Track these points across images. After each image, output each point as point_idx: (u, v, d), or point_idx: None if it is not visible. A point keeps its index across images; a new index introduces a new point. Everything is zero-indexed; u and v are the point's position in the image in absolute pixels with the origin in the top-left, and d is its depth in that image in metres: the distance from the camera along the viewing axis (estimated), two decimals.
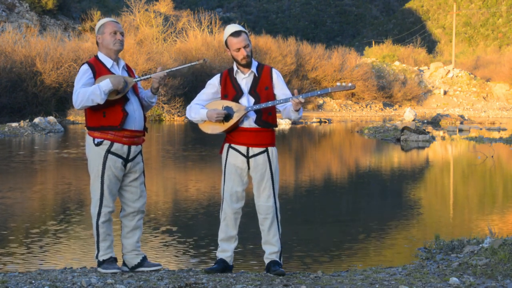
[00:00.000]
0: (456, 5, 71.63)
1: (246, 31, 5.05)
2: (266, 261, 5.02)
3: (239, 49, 4.92)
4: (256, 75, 5.01)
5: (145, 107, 5.09)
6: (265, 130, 4.97)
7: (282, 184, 10.29)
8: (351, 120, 35.97)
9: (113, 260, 4.90)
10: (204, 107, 5.05)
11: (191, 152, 16.50)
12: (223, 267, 4.96)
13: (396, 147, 18.40)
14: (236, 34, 4.93)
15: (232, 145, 4.99)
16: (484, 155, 14.86)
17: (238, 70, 5.02)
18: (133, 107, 4.91)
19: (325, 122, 32.18)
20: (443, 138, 21.95)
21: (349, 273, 5.09)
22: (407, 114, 29.58)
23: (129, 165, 4.91)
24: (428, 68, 56.95)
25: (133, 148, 4.91)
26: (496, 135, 23.08)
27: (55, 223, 7.52)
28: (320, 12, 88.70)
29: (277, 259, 4.99)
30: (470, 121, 34.22)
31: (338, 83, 5.00)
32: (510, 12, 78.99)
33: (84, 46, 31.91)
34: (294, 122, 29.51)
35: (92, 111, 4.84)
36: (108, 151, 4.82)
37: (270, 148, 4.99)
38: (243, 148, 4.96)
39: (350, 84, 4.97)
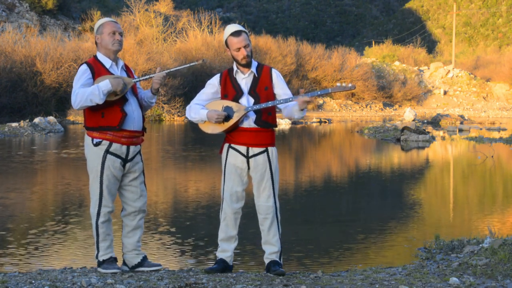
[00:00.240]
0: (456, 5, 71.64)
1: (246, 31, 5.05)
2: (266, 261, 5.02)
3: (239, 49, 4.92)
4: (256, 75, 5.01)
5: (144, 107, 5.09)
6: (265, 130, 4.97)
7: (282, 184, 10.29)
8: (351, 120, 35.97)
9: (113, 260, 4.90)
10: (204, 107, 5.05)
11: (191, 152, 16.50)
12: (223, 267, 4.96)
13: (396, 147, 18.40)
14: (236, 33, 4.93)
15: (232, 145, 4.99)
16: (484, 155, 14.86)
17: (238, 70, 5.02)
18: (132, 107, 4.91)
19: (325, 122, 32.18)
20: (443, 138, 21.95)
21: (349, 273, 5.09)
22: (407, 114, 29.58)
23: (128, 165, 4.91)
24: (428, 68, 56.95)
25: (132, 148, 4.90)
26: (496, 135, 23.08)
27: (55, 223, 7.52)
28: (320, 12, 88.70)
29: (277, 259, 4.99)
30: (470, 121, 34.22)
31: (338, 84, 5.00)
32: (510, 12, 78.99)
33: (84, 46, 31.91)
34: (294, 122, 29.51)
35: (90, 111, 4.84)
36: (107, 151, 4.82)
37: (270, 148, 4.99)
38: (243, 148, 4.96)
39: (350, 85, 4.97)
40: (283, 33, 52.61)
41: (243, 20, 65.58)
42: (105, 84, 4.72)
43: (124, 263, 5.02)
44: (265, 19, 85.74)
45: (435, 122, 32.01)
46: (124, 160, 4.88)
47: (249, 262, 5.85)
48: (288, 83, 38.22)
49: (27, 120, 22.90)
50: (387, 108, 47.48)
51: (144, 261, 5.00)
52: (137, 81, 4.99)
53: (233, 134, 4.98)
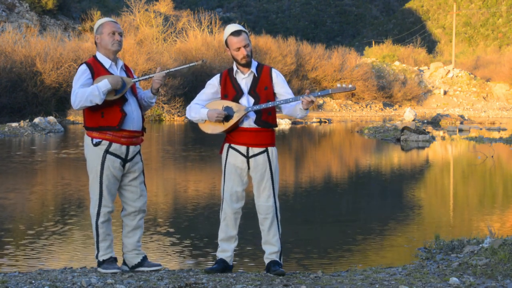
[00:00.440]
0: (456, 5, 71.64)
1: (246, 31, 5.05)
2: (266, 261, 5.02)
3: (239, 49, 4.92)
4: (256, 75, 5.01)
5: (144, 107, 5.09)
6: (265, 130, 4.98)
7: (282, 184, 10.29)
8: (351, 120, 35.97)
9: (113, 260, 4.90)
10: (204, 107, 5.06)
11: (191, 152, 16.49)
12: (223, 267, 4.96)
13: (396, 147, 18.40)
14: (236, 33, 4.93)
15: (232, 145, 4.99)
16: (484, 155, 14.86)
17: (238, 70, 5.02)
18: (131, 107, 4.91)
19: (325, 122, 32.19)
20: (443, 138, 21.95)
21: (349, 273, 5.08)
22: (407, 114, 29.58)
23: (127, 165, 4.91)
24: (428, 68, 56.96)
25: (131, 148, 4.91)
26: (496, 135, 23.08)
27: (55, 223, 7.52)
28: (320, 12, 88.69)
29: (277, 259, 4.99)
30: (470, 121, 34.22)
31: (338, 84, 4.99)
32: (510, 12, 78.99)
33: (84, 46, 31.91)
34: (294, 122, 29.51)
35: (90, 111, 4.84)
36: (107, 151, 4.82)
37: (270, 148, 4.99)
38: (243, 148, 4.96)
39: (350, 86, 4.97)
40: (283, 33, 52.61)
41: (243, 20, 65.57)
42: (104, 84, 4.73)
43: (124, 263, 5.02)
44: (265, 19, 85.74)
45: (435, 122, 32.01)
46: (124, 160, 4.88)
47: (249, 262, 5.85)
48: (288, 83, 38.00)
49: (27, 120, 22.90)
50: (387, 108, 47.48)
51: (144, 261, 5.00)
52: (136, 81, 4.99)
53: (233, 134, 4.98)
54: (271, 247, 5.00)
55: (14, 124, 21.55)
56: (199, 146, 17.80)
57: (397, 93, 49.15)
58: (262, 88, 4.99)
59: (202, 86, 5.20)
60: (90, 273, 4.84)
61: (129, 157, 4.90)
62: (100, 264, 4.87)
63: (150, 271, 4.95)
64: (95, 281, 4.48)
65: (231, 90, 5.00)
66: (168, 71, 5.08)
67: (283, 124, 28.36)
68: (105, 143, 4.82)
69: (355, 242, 6.85)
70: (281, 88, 5.03)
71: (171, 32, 42.36)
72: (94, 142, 4.84)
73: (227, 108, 4.95)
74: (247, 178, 5.01)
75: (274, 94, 5.03)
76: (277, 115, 5.10)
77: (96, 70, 4.84)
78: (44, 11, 41.30)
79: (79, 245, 6.49)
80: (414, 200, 9.77)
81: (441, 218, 8.31)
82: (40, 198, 9.41)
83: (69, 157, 14.36)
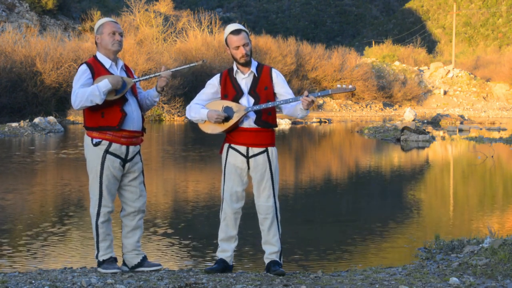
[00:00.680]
0: (456, 5, 71.64)
1: (247, 30, 5.05)
2: (266, 261, 5.02)
3: (238, 47, 4.92)
4: (256, 75, 5.01)
5: (145, 107, 5.10)
6: (265, 130, 4.98)
7: (282, 184, 10.29)
8: (351, 120, 35.97)
9: (113, 260, 4.90)
10: (204, 107, 5.06)
11: (191, 152, 16.49)
12: (223, 267, 4.96)
13: (396, 147, 18.40)
14: (236, 32, 4.94)
15: (232, 145, 4.99)
16: (484, 155, 14.86)
17: (238, 70, 5.02)
18: (132, 107, 4.91)
19: (325, 122, 32.19)
20: (443, 138, 21.95)
21: (349, 273, 5.08)
22: (407, 114, 29.58)
23: (127, 165, 4.91)
24: (428, 68, 56.96)
25: (131, 148, 4.91)
26: (496, 135, 23.08)
27: (55, 223, 7.52)
28: (320, 12, 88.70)
29: (277, 259, 4.99)
30: (470, 121, 34.22)
31: (338, 85, 5.00)
32: (510, 12, 78.99)
33: (84, 46, 31.91)
34: (294, 122, 29.51)
35: (90, 111, 4.84)
36: (107, 151, 4.82)
37: (270, 148, 4.99)
38: (243, 148, 4.96)
39: (350, 86, 4.97)
40: (283, 33, 52.62)
41: (243, 20, 65.60)
42: (104, 84, 4.73)
43: (124, 263, 5.02)
44: (265, 19, 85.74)
45: (435, 122, 32.01)
46: (124, 160, 4.88)
47: (249, 262, 5.85)
48: (288, 83, 37.96)
49: (27, 120, 22.90)
50: (387, 108, 47.49)
51: (143, 261, 5.00)
52: (137, 81, 4.99)
53: (233, 134, 4.98)
54: (271, 247, 5.00)
55: (14, 124, 21.55)
56: (199, 146, 17.80)
57: (397, 93, 49.16)
58: (262, 88, 4.99)
59: (202, 86, 5.20)
60: (90, 273, 4.84)
61: (129, 157, 4.90)
62: (100, 264, 4.87)
63: (150, 271, 4.95)
64: (95, 281, 4.48)
65: (231, 90, 5.00)
66: (171, 70, 5.09)
67: (283, 124, 28.36)
68: (105, 143, 4.82)
69: (355, 242, 6.85)
70: (281, 88, 5.03)
71: (171, 32, 42.37)
72: (94, 142, 4.84)
73: (227, 109, 4.95)
74: (247, 178, 5.01)
75: (274, 94, 5.03)
76: (277, 115, 5.10)
77: (97, 70, 4.85)
78: (44, 11, 41.30)
79: (79, 245, 6.49)
80: (414, 200, 9.77)
81: (441, 218, 8.31)
82: (40, 198, 9.41)
83: (69, 157, 14.36)
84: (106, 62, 4.91)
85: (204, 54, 36.93)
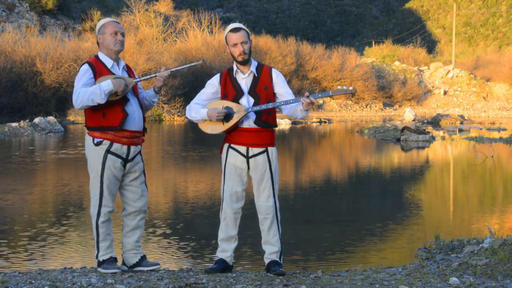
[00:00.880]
0: (456, 5, 71.64)
1: (247, 29, 5.06)
2: (266, 261, 5.02)
3: (236, 45, 4.93)
4: (256, 75, 5.02)
5: (145, 107, 5.10)
6: (264, 130, 4.98)
7: (282, 184, 10.29)
8: (351, 120, 35.97)
9: (113, 260, 4.90)
10: (204, 106, 5.06)
11: (190, 152, 16.49)
12: (223, 267, 4.96)
13: (396, 147, 18.40)
14: (235, 30, 4.96)
15: (232, 145, 4.99)
16: (484, 155, 14.86)
17: (238, 70, 5.02)
18: (133, 107, 4.92)
19: (325, 122, 32.19)
20: (443, 138, 21.95)
21: (349, 273, 5.08)
22: (407, 114, 29.58)
23: (128, 165, 4.91)
24: (428, 68, 56.96)
25: (132, 148, 4.91)
26: (496, 135, 23.08)
27: (55, 223, 7.52)
28: (320, 12, 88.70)
29: (277, 259, 4.99)
30: (470, 121, 34.22)
31: (339, 87, 5.00)
32: (510, 12, 78.99)
33: (84, 46, 31.91)
34: (294, 122, 29.52)
35: (91, 111, 4.85)
36: (108, 151, 4.83)
37: (270, 148, 4.99)
38: (242, 148, 4.96)
39: (351, 88, 4.97)
40: (283, 33, 52.63)
41: (243, 20, 65.62)
42: (107, 84, 4.73)
43: (124, 263, 5.02)
44: (265, 19, 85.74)
45: (435, 122, 32.01)
46: (125, 160, 4.89)
47: (249, 262, 5.85)
48: (288, 83, 38.01)
49: (27, 120, 22.90)
50: (387, 108, 47.49)
51: (142, 261, 5.00)
52: (138, 81, 5.00)
53: (233, 134, 4.98)
54: (271, 247, 5.00)
55: (14, 124, 21.55)
56: (199, 146, 17.80)
57: (397, 93, 49.16)
58: (262, 88, 4.99)
59: (202, 86, 5.20)
60: (90, 273, 4.84)
61: (130, 157, 4.90)
62: (100, 264, 4.87)
63: (149, 270, 4.95)
64: (95, 281, 4.48)
65: (231, 90, 5.00)
66: (170, 70, 5.09)
67: (283, 124, 28.36)
68: (106, 143, 4.83)
69: (355, 242, 6.85)
70: (281, 88, 5.04)
71: (171, 32, 42.37)
72: (95, 142, 4.84)
73: (227, 108, 4.95)
74: (247, 178, 5.02)
75: (274, 94, 5.03)
76: (277, 115, 5.11)
77: (98, 70, 4.86)
78: (44, 11, 41.31)
79: (79, 245, 6.49)
80: (414, 200, 9.77)
81: (441, 218, 8.31)
82: (40, 199, 9.41)
83: (68, 157, 14.35)
84: (108, 62, 4.92)
85: (204, 54, 36.93)
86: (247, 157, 4.96)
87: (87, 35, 39.06)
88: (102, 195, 4.84)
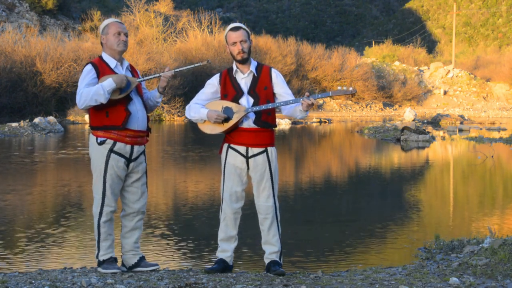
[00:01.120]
0: (456, 5, 71.64)
1: (247, 29, 5.06)
2: (266, 261, 5.02)
3: (235, 43, 4.94)
4: (255, 74, 5.02)
5: (150, 107, 5.12)
6: (264, 130, 4.98)
7: (282, 184, 10.29)
8: (351, 120, 35.97)
9: (113, 260, 4.90)
10: (204, 107, 5.06)
11: (190, 152, 16.50)
12: (223, 267, 4.96)
13: (396, 147, 18.40)
14: (235, 29, 4.97)
15: (232, 145, 4.99)
16: (484, 155, 14.86)
17: (238, 70, 5.03)
18: (136, 107, 4.93)
19: (325, 122, 32.19)
20: (443, 138, 21.95)
21: (349, 273, 5.08)
22: (407, 114, 29.58)
23: (131, 165, 4.92)
24: (428, 68, 56.96)
25: (136, 148, 4.92)
26: (496, 135, 23.08)
27: (55, 223, 7.51)
28: (320, 12, 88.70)
29: (277, 259, 4.99)
30: (470, 121, 34.22)
31: (339, 87, 5.00)
32: (510, 12, 78.99)
33: (84, 46, 31.91)
34: (294, 122, 29.52)
35: (95, 110, 4.87)
36: (111, 150, 4.84)
37: (269, 148, 4.99)
38: (242, 148, 4.96)
39: (351, 89, 4.98)
40: (283, 33, 52.64)
41: (243, 20, 65.61)
42: (108, 83, 4.76)
43: (122, 264, 5.02)
44: (265, 19, 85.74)
45: (435, 122, 32.01)
46: (128, 160, 4.89)
47: (249, 262, 5.85)
48: (288, 83, 38.21)
49: (27, 120, 22.90)
50: (387, 108, 47.49)
51: (141, 261, 5.00)
52: (141, 81, 5.02)
53: (233, 134, 4.99)
54: (271, 247, 5.00)
55: (14, 124, 21.56)
56: (199, 147, 17.80)
57: (397, 93, 49.17)
58: (261, 88, 4.99)
59: (202, 86, 5.20)
60: (90, 273, 4.84)
61: (133, 157, 4.91)
62: (100, 264, 4.88)
63: (148, 271, 4.95)
64: (95, 281, 4.48)
65: (230, 90, 5.01)
66: (174, 70, 5.11)
67: (283, 124, 28.36)
68: (109, 142, 4.84)
69: (355, 242, 6.85)
70: (280, 88, 5.04)
71: (171, 32, 42.38)
72: (98, 141, 4.86)
73: (226, 109, 4.95)
74: (246, 178, 5.02)
75: (273, 94, 5.03)
76: (277, 115, 5.12)
77: (102, 70, 4.88)
78: (44, 11, 41.31)
79: (79, 245, 6.49)
80: (414, 200, 9.77)
81: (441, 218, 8.31)
82: (39, 199, 9.41)
83: (68, 157, 14.35)
84: (112, 62, 4.94)
85: (204, 54, 36.93)
86: (247, 157, 4.96)
87: (87, 35, 39.06)
88: (105, 194, 4.85)
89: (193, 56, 36.42)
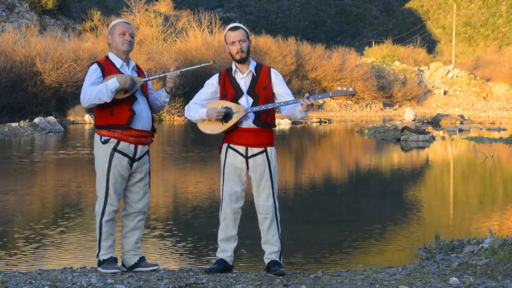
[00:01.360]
0: (456, 5, 71.64)
1: (246, 29, 5.06)
2: (266, 261, 5.02)
3: (233, 43, 4.95)
4: (255, 74, 5.02)
5: (157, 107, 5.14)
6: (263, 130, 4.98)
7: (282, 184, 10.29)
8: (351, 120, 35.97)
9: (113, 260, 4.90)
10: (203, 106, 5.06)
11: (190, 152, 16.50)
12: (223, 267, 4.96)
13: (396, 147, 18.40)
14: (234, 28, 4.99)
15: (231, 145, 4.99)
16: (484, 155, 14.86)
17: (237, 70, 5.03)
18: (141, 107, 4.94)
19: (325, 122, 32.19)
20: (443, 138, 21.95)
21: (349, 273, 5.08)
22: (407, 114, 29.58)
23: (135, 164, 4.93)
24: (428, 68, 56.96)
25: (139, 148, 4.93)
26: (496, 135, 23.08)
27: (54, 223, 7.52)
28: (320, 12, 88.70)
29: (277, 259, 4.99)
30: (470, 121, 34.22)
31: (339, 88, 5.01)
32: (510, 12, 78.99)
33: (84, 46, 31.91)
34: (294, 122, 29.51)
35: (100, 109, 4.89)
36: (115, 149, 4.85)
37: (269, 148, 4.99)
38: (242, 148, 4.96)
39: (351, 89, 4.98)
40: (283, 33, 52.64)
41: (243, 20, 65.63)
42: (112, 82, 4.77)
43: (122, 264, 5.02)
44: (265, 19, 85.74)
45: (435, 122, 32.01)
46: (132, 159, 4.90)
47: (249, 262, 5.85)
48: (288, 83, 38.24)
49: (27, 120, 22.90)
50: (387, 108, 47.49)
51: (140, 262, 5.00)
52: (146, 80, 5.03)
53: (232, 134, 4.99)
54: (271, 247, 5.00)
55: (14, 124, 21.56)
56: (199, 147, 17.80)
57: (397, 93, 49.18)
58: (261, 88, 4.99)
59: (202, 86, 5.20)
60: (90, 273, 4.84)
61: (137, 157, 4.92)
62: (100, 263, 4.87)
63: (148, 271, 4.94)
64: (95, 281, 4.47)
65: (230, 90, 5.01)
66: (180, 70, 5.13)
67: (283, 124, 28.36)
68: (113, 141, 4.85)
69: (355, 242, 6.85)
70: (280, 88, 5.04)
71: (171, 32, 42.38)
72: (102, 140, 4.87)
73: (226, 108, 4.96)
74: (246, 178, 5.02)
75: (273, 94, 5.04)
76: (277, 115, 5.12)
77: (107, 69, 4.90)
78: (44, 11, 41.31)
79: (79, 245, 6.49)
80: (414, 200, 9.77)
81: (441, 218, 8.31)
82: (39, 199, 9.41)
83: (68, 157, 14.35)
84: (117, 62, 4.96)
85: (204, 54, 36.92)
86: (246, 157, 4.96)
87: (87, 35, 39.06)
88: (108, 193, 4.85)
89: (193, 56, 36.42)
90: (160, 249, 6.41)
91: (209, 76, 5.75)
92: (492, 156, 14.71)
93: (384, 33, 79.37)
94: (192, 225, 7.61)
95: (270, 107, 4.92)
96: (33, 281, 4.48)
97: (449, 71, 55.65)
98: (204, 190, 10.28)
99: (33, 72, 27.77)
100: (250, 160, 4.96)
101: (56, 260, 5.89)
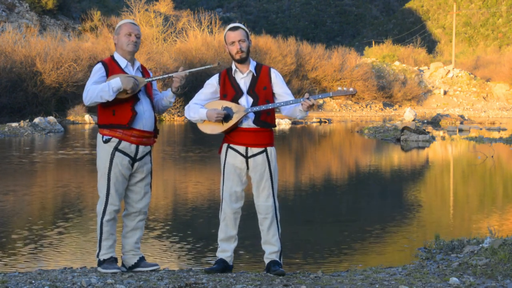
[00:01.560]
0: (456, 5, 71.64)
1: (246, 29, 5.06)
2: (266, 261, 5.02)
3: (233, 43, 4.95)
4: (255, 74, 5.02)
5: (162, 108, 5.16)
6: (263, 130, 4.98)
7: (282, 184, 10.28)
8: (351, 120, 35.97)
9: (113, 260, 4.90)
10: (203, 107, 5.06)
11: (190, 152, 16.49)
12: (223, 267, 4.96)
13: (396, 147, 18.40)
14: (233, 28, 4.99)
15: (231, 145, 4.99)
16: (484, 155, 14.86)
17: (237, 70, 5.03)
18: (143, 107, 4.95)
19: (325, 122, 32.19)
20: (443, 138, 21.95)
21: (349, 273, 5.08)
22: (407, 114, 29.58)
23: (136, 164, 4.93)
24: (428, 68, 56.97)
25: (141, 148, 4.93)
26: (496, 135, 23.08)
27: (54, 223, 7.52)
28: (320, 12, 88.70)
29: (277, 259, 4.99)
30: (470, 121, 34.22)
31: (339, 88, 5.01)
32: (510, 12, 78.99)
33: (84, 46, 31.91)
34: (294, 122, 29.51)
35: (102, 109, 4.90)
36: (116, 149, 4.86)
37: (269, 148, 4.99)
38: (242, 148, 4.96)
39: (351, 89, 4.98)
40: (283, 33, 52.64)
41: (243, 20, 65.64)
42: (115, 82, 4.79)
43: (122, 264, 5.02)
44: (265, 19, 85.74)
45: (435, 122, 32.01)
46: (133, 159, 4.90)
47: (249, 262, 5.85)
48: (288, 83, 38.24)
49: (27, 120, 22.90)
50: (387, 108, 47.49)
51: (140, 262, 5.00)
52: (150, 80, 5.03)
53: (232, 134, 4.99)
54: (271, 247, 5.00)
55: (14, 124, 21.56)
56: (199, 147, 17.80)
57: (397, 93, 49.18)
58: (261, 88, 4.99)
59: (202, 86, 5.21)
60: (90, 273, 4.84)
61: (138, 157, 4.92)
62: (100, 263, 4.87)
63: (148, 271, 4.94)
64: (95, 281, 4.47)
65: (230, 90, 5.01)
66: (186, 71, 5.15)
67: (283, 124, 28.36)
68: (114, 141, 4.86)
69: (355, 242, 6.85)
70: (280, 88, 5.04)
71: (171, 32, 42.37)
72: (104, 139, 4.88)
73: (226, 109, 4.96)
74: (246, 178, 5.02)
75: (273, 94, 5.04)
76: (277, 115, 5.12)
77: (111, 69, 4.91)
78: (44, 11, 41.31)
79: (79, 245, 6.49)
80: (414, 200, 9.77)
81: (441, 218, 8.31)
82: (39, 199, 9.41)
83: (68, 157, 14.35)
84: (122, 62, 4.98)
85: (204, 54, 36.92)
86: (246, 157, 4.96)
87: (87, 35, 39.06)
88: (109, 193, 4.86)
89: (193, 56, 36.42)
90: (160, 249, 6.41)
91: (209, 76, 5.75)
92: (492, 156, 14.71)
93: (384, 33, 79.37)
94: (191, 225, 7.61)
95: (270, 107, 4.93)
96: (33, 281, 4.49)
97: (449, 71, 55.65)
98: (204, 190, 10.28)
99: (33, 72, 27.77)
100: (250, 160, 4.96)
101: (56, 260, 5.89)
